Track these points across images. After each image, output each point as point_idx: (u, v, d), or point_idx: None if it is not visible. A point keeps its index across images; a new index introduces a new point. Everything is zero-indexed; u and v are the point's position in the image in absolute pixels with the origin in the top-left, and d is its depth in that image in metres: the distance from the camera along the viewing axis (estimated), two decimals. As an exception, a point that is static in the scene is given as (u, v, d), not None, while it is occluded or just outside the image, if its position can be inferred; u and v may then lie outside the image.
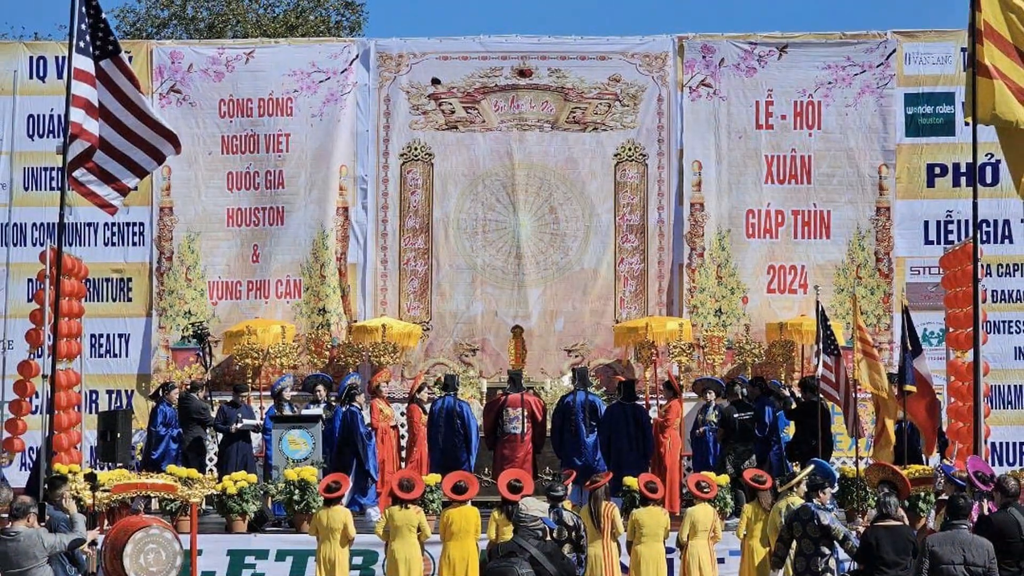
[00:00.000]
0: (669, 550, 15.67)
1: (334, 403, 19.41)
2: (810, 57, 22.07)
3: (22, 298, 21.07)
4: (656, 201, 22.22)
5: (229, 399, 19.56)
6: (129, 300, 22.18)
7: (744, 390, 19.53)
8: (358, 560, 16.47)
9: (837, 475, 16.81)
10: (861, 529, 14.04)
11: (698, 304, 21.91)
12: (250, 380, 20.94)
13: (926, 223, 21.93)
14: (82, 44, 14.23)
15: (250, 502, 17.52)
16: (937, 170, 21.98)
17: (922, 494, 17.03)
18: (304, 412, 19.15)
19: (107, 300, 22.07)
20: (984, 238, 19.77)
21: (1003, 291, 21.62)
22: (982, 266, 16.94)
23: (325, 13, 35.71)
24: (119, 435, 18.36)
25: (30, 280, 20.96)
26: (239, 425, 19.07)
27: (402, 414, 19.79)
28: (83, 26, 14.24)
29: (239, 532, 17.46)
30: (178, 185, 22.19)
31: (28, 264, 20.81)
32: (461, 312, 22.26)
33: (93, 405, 21.39)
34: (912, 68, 21.98)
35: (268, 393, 20.16)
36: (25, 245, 21.87)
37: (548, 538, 10.43)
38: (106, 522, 15.77)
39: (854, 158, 21.96)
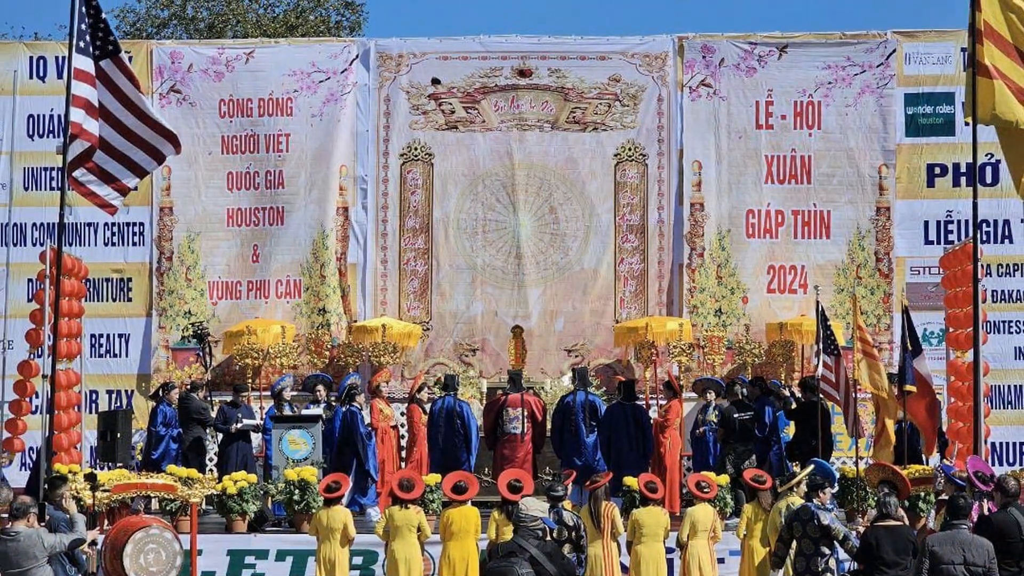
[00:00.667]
0: (669, 550, 15.67)
1: (334, 403, 19.41)
2: (810, 57, 22.08)
3: (22, 298, 21.06)
4: (656, 201, 22.22)
5: (229, 399, 19.56)
6: (129, 300, 22.18)
7: (744, 390, 19.53)
8: (358, 560, 16.47)
9: (837, 475, 16.81)
10: (861, 529, 14.04)
11: (698, 304, 21.91)
12: (250, 380, 20.95)
13: (926, 223, 21.93)
14: (82, 44, 14.23)
15: (250, 502, 17.52)
16: (937, 170, 21.98)
17: (922, 494, 17.03)
18: (304, 412, 19.14)
19: (107, 300, 22.07)
20: (984, 238, 19.77)
21: (1003, 291, 21.62)
22: (982, 266, 16.93)
23: (325, 13, 35.71)
24: (119, 435, 18.36)
25: (30, 280, 20.96)
26: (239, 425, 19.07)
27: (402, 414, 19.79)
28: (83, 26, 14.23)
29: (239, 532, 17.46)
30: (178, 185, 22.19)
31: (28, 264, 20.81)
32: (461, 312, 22.26)
33: (93, 405, 21.39)
34: (912, 68, 21.98)
35: (268, 393, 20.16)
36: (25, 245, 21.87)
37: (548, 538, 10.43)
38: (106, 522, 15.77)
39: (854, 158, 21.96)
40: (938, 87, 21.93)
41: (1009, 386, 21.46)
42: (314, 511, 16.44)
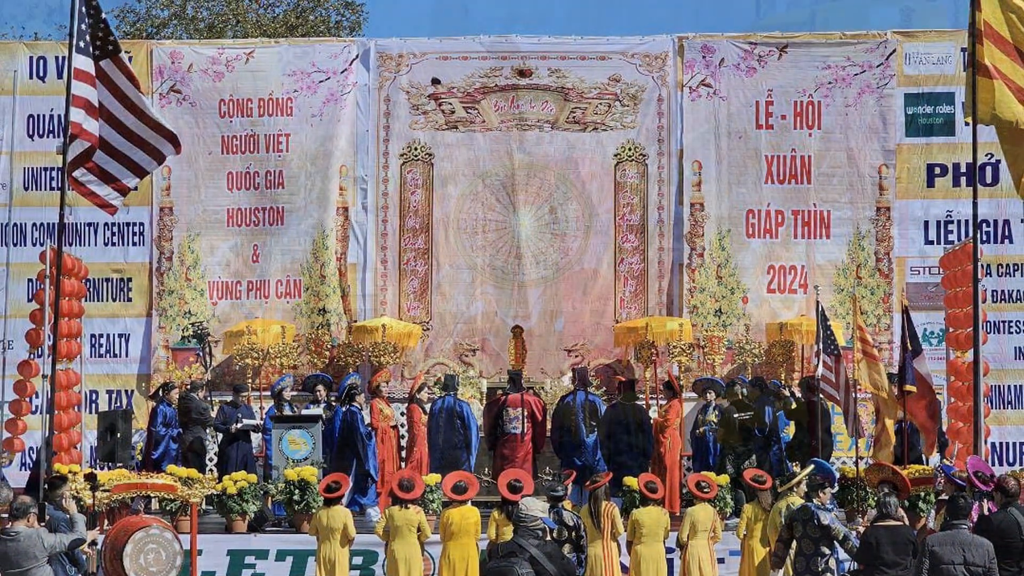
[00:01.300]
0: (669, 550, 15.68)
1: (334, 403, 19.40)
2: (810, 57, 22.07)
3: (22, 298, 21.06)
4: (656, 201, 22.21)
5: (229, 399, 19.57)
6: (129, 300, 22.17)
7: (744, 390, 19.52)
8: (358, 560, 16.48)
9: (837, 475, 16.81)
10: (861, 529, 14.04)
11: (698, 304, 21.90)
12: (250, 380, 20.94)
13: (926, 223, 21.92)
14: (82, 44, 14.23)
15: (250, 502, 17.53)
16: (937, 170, 21.97)
17: (922, 494, 17.03)
18: (304, 412, 19.15)
19: (107, 300, 22.07)
20: (984, 238, 19.79)
21: (1003, 291, 21.61)
22: (982, 266, 16.92)
23: (325, 13, 35.68)
24: (119, 435, 18.35)
25: (30, 280, 20.96)
26: (239, 425, 19.07)
27: (402, 414, 19.78)
28: (83, 26, 14.23)
29: (239, 532, 17.47)
30: (178, 185, 22.19)
31: (28, 264, 20.81)
32: (461, 312, 22.25)
33: (93, 405, 21.38)
34: (912, 68, 21.98)
35: (268, 393, 20.15)
36: (25, 245, 21.86)
37: (548, 538, 10.43)
38: (106, 522, 15.78)
39: (854, 158, 21.95)
40: (938, 87, 21.93)
41: (1009, 386, 21.44)
42: (314, 511, 16.45)
